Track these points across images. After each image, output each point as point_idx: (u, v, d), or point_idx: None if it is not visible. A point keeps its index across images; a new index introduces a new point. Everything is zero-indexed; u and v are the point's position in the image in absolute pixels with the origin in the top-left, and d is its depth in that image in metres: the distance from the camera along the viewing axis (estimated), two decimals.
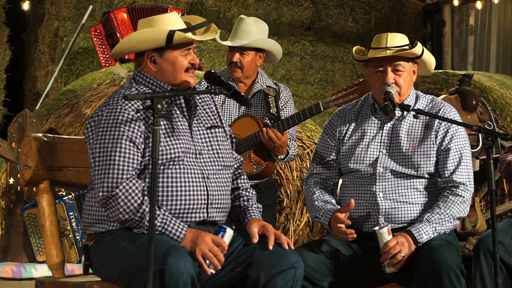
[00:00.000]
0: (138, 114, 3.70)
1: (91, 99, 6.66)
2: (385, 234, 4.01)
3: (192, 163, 3.77)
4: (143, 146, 3.69)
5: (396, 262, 3.99)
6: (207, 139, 3.87)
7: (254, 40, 5.21)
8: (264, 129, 4.91)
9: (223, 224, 3.78)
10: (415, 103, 4.30)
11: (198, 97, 3.91)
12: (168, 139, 3.74)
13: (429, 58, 4.31)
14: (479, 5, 10.54)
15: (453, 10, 11.31)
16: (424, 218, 4.09)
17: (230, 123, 5.19)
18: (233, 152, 4.04)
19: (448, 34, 11.34)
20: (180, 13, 7.28)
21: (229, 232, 3.70)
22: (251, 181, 4.82)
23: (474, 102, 6.22)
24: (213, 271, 3.65)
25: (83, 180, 4.02)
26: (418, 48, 4.23)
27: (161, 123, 3.71)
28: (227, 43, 5.26)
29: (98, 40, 7.64)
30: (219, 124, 3.95)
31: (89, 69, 8.62)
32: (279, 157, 5.11)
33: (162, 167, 3.70)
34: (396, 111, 4.24)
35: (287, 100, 5.34)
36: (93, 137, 3.70)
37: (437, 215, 4.09)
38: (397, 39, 4.25)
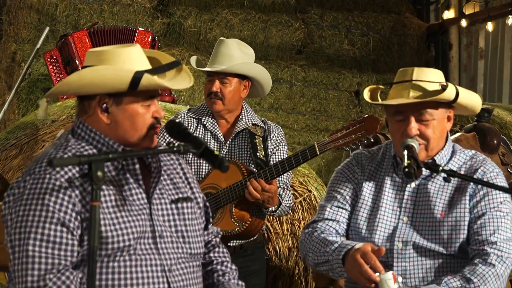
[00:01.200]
0: (74, 186, 3.04)
1: (44, 138, 6.10)
2: (390, 281, 3.41)
3: (149, 252, 3.13)
4: (79, 231, 3.03)
5: None
6: (171, 217, 3.22)
7: (236, 64, 4.71)
8: (250, 188, 4.45)
9: None
10: (449, 160, 3.60)
11: (162, 157, 3.25)
12: (116, 220, 3.08)
13: (469, 101, 3.61)
14: (490, 26, 10.36)
15: (461, 31, 11.19)
16: (443, 281, 3.43)
17: (206, 172, 4.66)
18: (209, 225, 3.45)
19: (455, 58, 11.21)
20: (150, 37, 6.97)
21: None
22: (234, 242, 4.51)
23: (495, 142, 5.71)
24: None
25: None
26: (450, 91, 3.48)
27: (107, 196, 3.07)
28: (206, 69, 4.79)
29: (54, 68, 7.18)
30: (189, 195, 3.30)
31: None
32: (270, 209, 4.63)
33: (106, 259, 3.06)
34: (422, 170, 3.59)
35: (279, 142, 4.83)
36: (12, 219, 3.05)
37: (459, 282, 3.42)
38: (426, 76, 3.50)
